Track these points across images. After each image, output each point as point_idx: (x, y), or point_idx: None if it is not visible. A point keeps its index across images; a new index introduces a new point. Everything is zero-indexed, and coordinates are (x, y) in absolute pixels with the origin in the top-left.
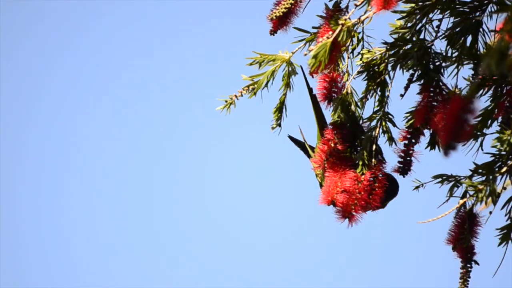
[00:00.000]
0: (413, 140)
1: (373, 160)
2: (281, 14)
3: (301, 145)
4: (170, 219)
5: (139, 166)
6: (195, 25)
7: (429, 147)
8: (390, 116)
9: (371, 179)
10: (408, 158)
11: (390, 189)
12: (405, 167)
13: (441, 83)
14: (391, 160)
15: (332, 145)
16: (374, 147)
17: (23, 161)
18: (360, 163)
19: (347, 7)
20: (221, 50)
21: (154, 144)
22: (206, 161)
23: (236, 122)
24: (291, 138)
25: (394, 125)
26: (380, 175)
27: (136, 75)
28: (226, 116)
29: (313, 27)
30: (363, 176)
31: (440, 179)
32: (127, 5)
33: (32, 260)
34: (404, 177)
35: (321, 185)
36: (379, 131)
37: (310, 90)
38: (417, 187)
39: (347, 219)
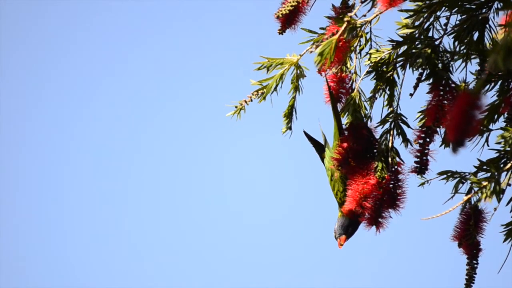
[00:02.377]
0: (428, 139)
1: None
2: (288, 12)
3: (314, 142)
4: (171, 219)
5: (140, 166)
6: (198, 27)
7: (443, 145)
8: (403, 118)
9: (391, 183)
10: (425, 158)
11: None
12: (422, 167)
13: (450, 81)
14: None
15: (351, 144)
16: (389, 150)
17: (23, 161)
18: (379, 167)
19: (353, 5)
20: (225, 50)
21: (156, 144)
22: (208, 162)
23: (239, 123)
24: (306, 134)
25: (408, 126)
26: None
27: (138, 76)
28: (230, 119)
29: (321, 28)
30: (383, 181)
31: (445, 176)
32: (131, 6)
33: (32, 260)
34: (421, 176)
35: (340, 205)
36: (393, 134)
37: (331, 91)
38: (422, 184)
39: (374, 226)
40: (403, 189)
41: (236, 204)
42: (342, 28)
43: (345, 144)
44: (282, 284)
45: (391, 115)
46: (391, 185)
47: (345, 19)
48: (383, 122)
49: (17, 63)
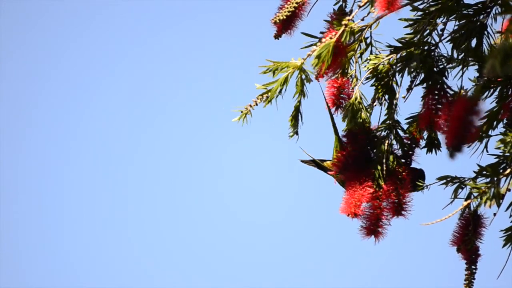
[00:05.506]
0: (414, 145)
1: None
2: (285, 17)
3: (314, 162)
4: (170, 219)
5: (139, 166)
6: (198, 28)
7: (426, 149)
8: (400, 125)
9: (391, 191)
10: (409, 161)
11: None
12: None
13: (445, 86)
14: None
15: (349, 150)
16: (390, 158)
17: (23, 161)
18: (376, 175)
19: (351, 10)
20: (225, 51)
21: (155, 144)
22: (205, 162)
23: (237, 123)
24: (303, 161)
25: (405, 132)
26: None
27: (138, 76)
28: (230, 120)
29: (321, 32)
30: (381, 190)
31: (444, 181)
32: (131, 6)
33: (32, 260)
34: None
35: (342, 185)
36: (389, 141)
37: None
38: (421, 189)
39: (373, 235)
40: (406, 195)
41: (235, 204)
42: (340, 31)
43: (343, 151)
44: (282, 284)
45: (387, 122)
46: (391, 193)
47: (343, 22)
48: (380, 128)
49: (17, 63)
